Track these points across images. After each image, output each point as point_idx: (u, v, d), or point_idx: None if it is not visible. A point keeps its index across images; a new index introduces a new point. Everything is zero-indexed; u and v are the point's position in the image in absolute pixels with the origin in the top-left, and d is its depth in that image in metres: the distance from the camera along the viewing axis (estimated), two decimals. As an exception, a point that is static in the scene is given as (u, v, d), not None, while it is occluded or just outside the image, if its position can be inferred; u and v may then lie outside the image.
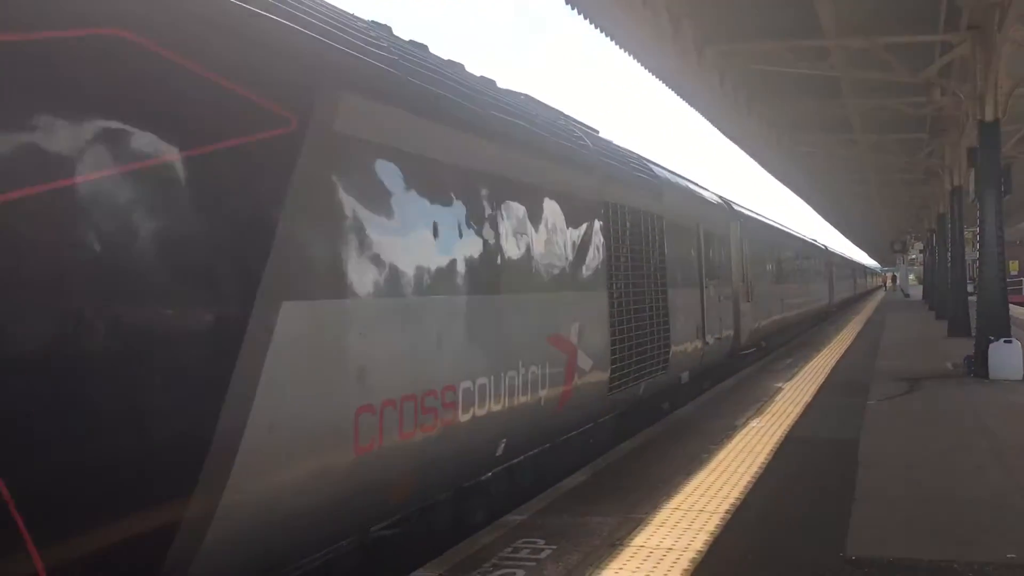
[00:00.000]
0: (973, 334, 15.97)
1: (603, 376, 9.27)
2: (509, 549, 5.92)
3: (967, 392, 13.11)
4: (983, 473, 7.88)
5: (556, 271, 8.23)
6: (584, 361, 8.68)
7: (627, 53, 16.11)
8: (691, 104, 21.10)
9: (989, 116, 14.80)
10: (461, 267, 6.37)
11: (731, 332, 16.07)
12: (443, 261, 6.15)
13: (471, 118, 6.89)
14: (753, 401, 12.68)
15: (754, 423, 10.78)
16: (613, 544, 5.98)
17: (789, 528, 6.41)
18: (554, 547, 5.93)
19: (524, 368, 7.29)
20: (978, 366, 14.63)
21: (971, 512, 6.64)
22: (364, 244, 5.27)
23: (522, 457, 8.13)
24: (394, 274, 5.55)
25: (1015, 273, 59.80)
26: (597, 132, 11.33)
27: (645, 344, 10.57)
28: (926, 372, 15.58)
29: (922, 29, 16.10)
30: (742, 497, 7.17)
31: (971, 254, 30.24)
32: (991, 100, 14.75)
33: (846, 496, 7.13)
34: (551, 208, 8.15)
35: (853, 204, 52.38)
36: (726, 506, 6.89)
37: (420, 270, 5.84)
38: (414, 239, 5.84)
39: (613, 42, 15.34)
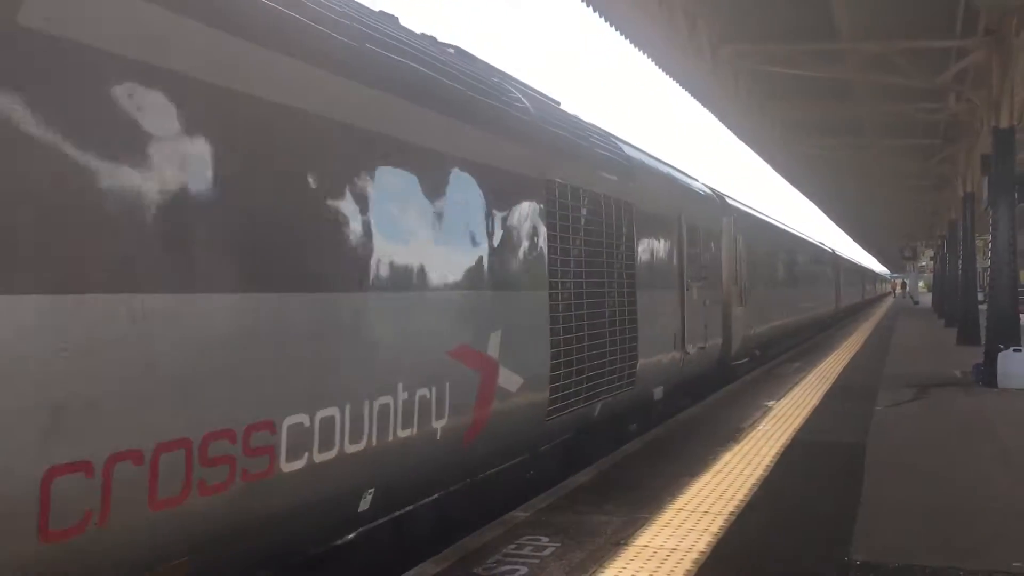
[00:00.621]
0: (983, 342, 15.87)
1: (539, 397, 7.57)
2: (512, 546, 5.91)
3: (975, 400, 13.04)
4: (990, 481, 7.84)
5: (466, 264, 6.50)
6: (509, 380, 6.97)
7: (642, 52, 16.09)
8: (704, 104, 21.05)
9: (1004, 123, 14.72)
10: (286, 251, 4.61)
11: (719, 340, 14.42)
12: (243, 239, 4.34)
13: (317, 43, 4.99)
14: (760, 404, 12.65)
15: (761, 426, 10.75)
16: (617, 543, 5.96)
17: (794, 531, 6.38)
18: (557, 544, 5.92)
19: (407, 393, 5.55)
20: (987, 374, 14.56)
21: (977, 520, 6.60)
22: (68, 207, 3.49)
23: (411, 507, 6.43)
24: (141, 258, 3.79)
25: (1026, 282, 59.20)
26: (558, 104, 9.82)
27: (603, 356, 8.91)
28: (934, 379, 15.51)
29: (938, 34, 16.02)
30: (747, 499, 7.15)
31: (982, 262, 30.22)
32: (1007, 107, 14.67)
33: (851, 501, 7.10)
34: (461, 182, 6.40)
35: (864, 209, 52.20)
36: (731, 508, 6.87)
37: (190, 251, 4.06)
38: (166, 200, 3.90)
39: (628, 40, 15.30)
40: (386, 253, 5.43)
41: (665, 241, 11.50)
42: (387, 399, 5.35)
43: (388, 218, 5.46)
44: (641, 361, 10.12)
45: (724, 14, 15.65)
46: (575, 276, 8.36)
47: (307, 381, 4.71)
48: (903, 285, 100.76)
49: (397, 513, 6.21)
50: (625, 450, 9.39)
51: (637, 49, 15.99)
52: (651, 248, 10.90)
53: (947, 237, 34.86)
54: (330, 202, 4.97)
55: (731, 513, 6.72)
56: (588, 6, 13.50)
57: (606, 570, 5.41)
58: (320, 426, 4.75)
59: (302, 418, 4.62)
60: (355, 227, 5.16)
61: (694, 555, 5.70)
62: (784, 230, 26.13)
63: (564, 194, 8.16)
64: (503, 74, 8.38)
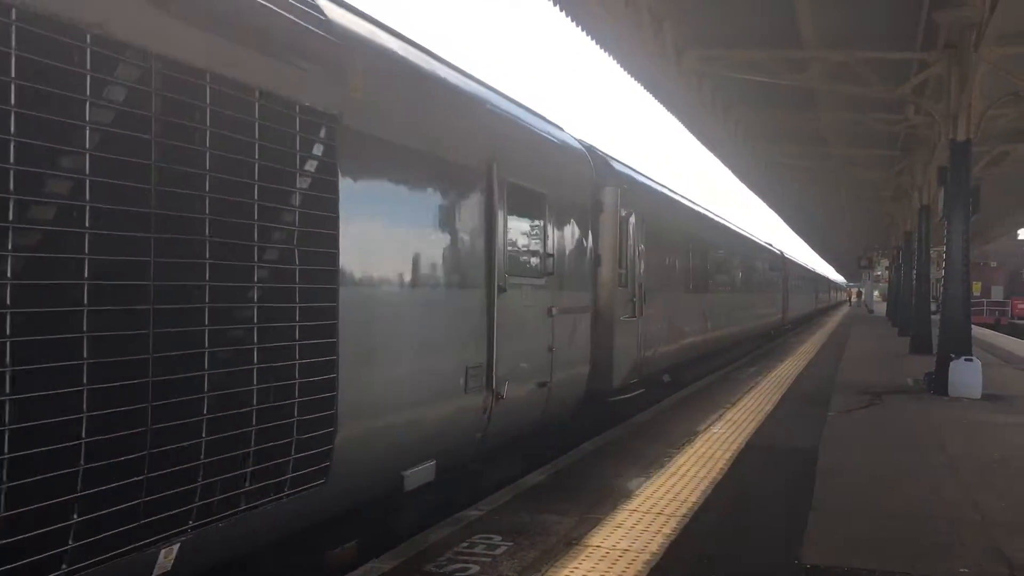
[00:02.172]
0: (935, 351, 16.11)
1: None
2: (465, 544, 5.87)
3: (927, 408, 13.21)
4: (939, 488, 7.93)
5: None
6: None
7: (607, 53, 16.06)
8: (669, 109, 21.10)
9: (961, 136, 14.93)
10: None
11: (585, 368, 10.15)
12: None
13: None
14: (715, 408, 12.72)
15: (715, 430, 10.80)
16: (570, 543, 5.94)
17: (746, 534, 6.40)
18: (510, 544, 5.88)
19: None
20: (938, 383, 14.76)
21: (926, 526, 6.67)
22: None
23: None
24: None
25: (978, 294, 60.64)
26: None
27: (192, 453, 4.15)
28: (887, 387, 15.70)
29: (900, 46, 16.21)
30: (700, 501, 7.17)
31: (936, 273, 30.74)
32: (964, 120, 14.88)
33: (803, 505, 7.14)
34: None
35: (823, 218, 52.85)
36: (684, 510, 6.88)
37: None
38: None
39: (594, 41, 15.27)
40: None
41: (437, 202, 6.69)
42: None
43: None
44: (347, 432, 5.34)
45: (690, 18, 15.70)
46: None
47: None
48: (859, 294, 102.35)
49: None
50: (581, 450, 9.39)
51: (603, 50, 15.98)
52: (383, 210, 6.01)
53: (903, 247, 35.39)
54: None
55: (684, 515, 6.73)
56: (555, 5, 13.46)
57: (558, 570, 5.38)
58: None
59: None
60: None
61: (646, 556, 5.69)
62: (713, 220, 21.31)
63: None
64: None
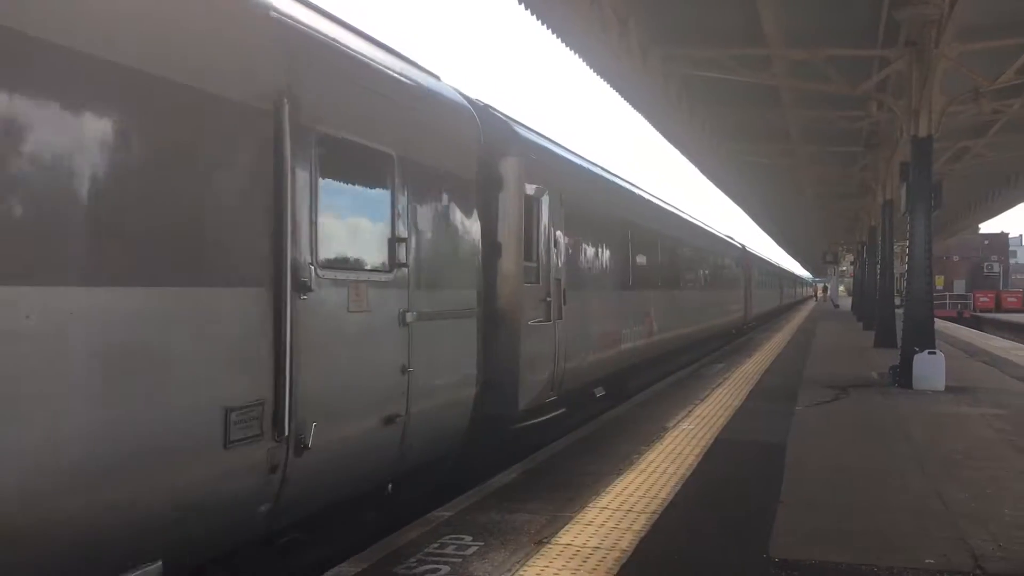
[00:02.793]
0: (899, 345, 16.31)
1: None
2: (435, 545, 5.84)
3: (891, 401, 13.37)
4: (904, 479, 8.02)
5: None
6: None
7: (572, 51, 16.09)
8: (635, 107, 21.17)
9: (923, 132, 15.12)
10: None
11: (470, 390, 8.23)
12: None
13: None
14: (684, 404, 12.78)
15: (684, 425, 10.85)
16: (540, 542, 5.93)
17: (715, 528, 6.43)
18: (480, 544, 5.87)
19: None
20: (903, 376, 14.93)
21: (892, 517, 6.73)
22: None
23: None
24: None
25: (940, 288, 61.54)
26: None
27: None
28: (853, 380, 15.86)
29: (862, 43, 16.39)
30: (669, 497, 7.20)
31: (899, 267, 31.14)
32: (925, 116, 15.06)
33: (771, 499, 7.19)
34: None
35: (788, 214, 53.35)
36: (654, 506, 6.90)
37: None
38: None
39: (560, 39, 15.29)
40: None
41: (153, 145, 4.48)
42: None
43: None
44: None
45: (654, 16, 15.77)
46: None
47: None
48: (824, 289, 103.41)
49: None
50: (551, 448, 9.39)
51: (570, 49, 16.01)
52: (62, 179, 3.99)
53: (867, 243, 35.80)
54: None
55: (654, 511, 6.75)
56: (520, 3, 13.45)
57: (529, 569, 5.38)
58: None
59: None
60: None
61: (616, 553, 5.70)
62: (659, 206, 18.48)
63: None
64: None
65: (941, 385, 14.51)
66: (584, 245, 11.71)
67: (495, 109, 9.75)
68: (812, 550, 5.87)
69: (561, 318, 10.21)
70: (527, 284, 9.25)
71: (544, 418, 9.78)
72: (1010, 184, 32.83)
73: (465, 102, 8.65)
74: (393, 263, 6.68)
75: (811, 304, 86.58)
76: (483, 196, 8.56)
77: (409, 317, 6.86)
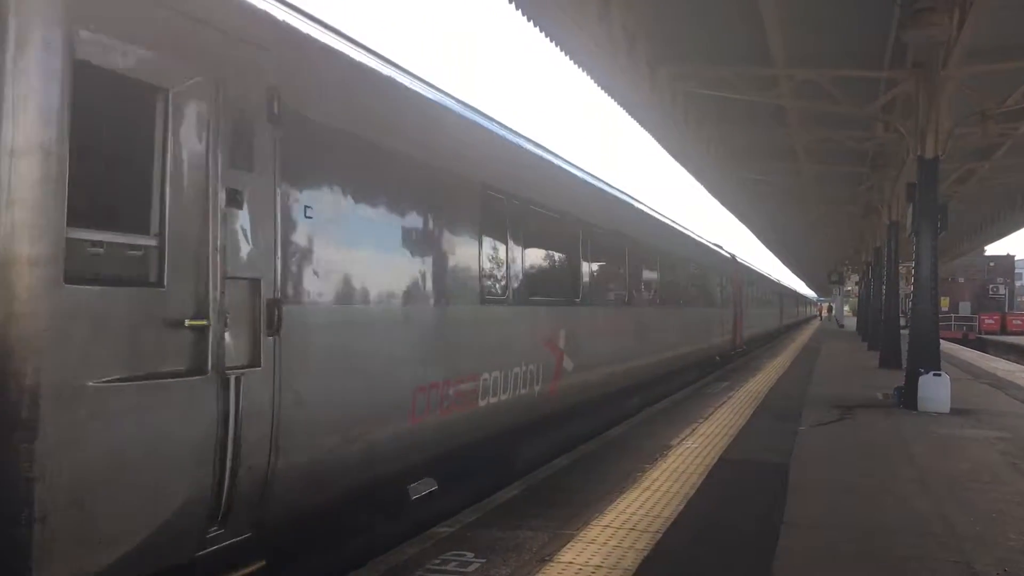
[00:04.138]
0: (904, 366, 16.25)
1: None
2: (437, 561, 5.82)
3: (896, 422, 13.32)
4: (909, 502, 7.98)
5: None
6: None
7: (581, 69, 16.13)
8: (642, 124, 21.19)
9: (929, 153, 15.12)
10: None
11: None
12: None
13: None
14: (688, 423, 12.74)
15: (688, 444, 10.81)
16: (542, 559, 5.91)
17: (718, 548, 6.41)
18: (483, 560, 5.84)
19: None
20: (907, 397, 14.88)
21: (897, 540, 6.70)
22: None
23: None
24: None
25: (946, 309, 61.37)
26: None
27: None
28: (857, 401, 15.81)
29: (868, 64, 16.41)
30: (673, 516, 7.17)
31: (905, 288, 31.08)
32: (932, 137, 15.07)
33: (775, 519, 7.16)
34: None
35: (794, 233, 53.32)
36: (657, 525, 6.87)
37: None
38: None
39: (569, 57, 15.33)
40: None
41: None
42: None
43: None
44: None
45: (663, 35, 15.83)
46: None
47: None
48: (829, 309, 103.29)
49: None
50: (554, 465, 9.36)
51: (578, 67, 16.06)
52: None
53: (872, 263, 35.75)
54: None
55: (657, 530, 6.72)
56: (528, 20, 13.50)
57: (530, 587, 5.35)
58: None
59: None
60: None
61: (619, 572, 5.67)
62: (583, 180, 12.37)
63: None
64: None
65: (946, 407, 14.45)
66: (354, 210, 5.89)
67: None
68: (816, 572, 5.84)
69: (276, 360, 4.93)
70: (82, 287, 3.87)
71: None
72: (1016, 207, 32.78)
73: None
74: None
75: (816, 323, 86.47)
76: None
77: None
